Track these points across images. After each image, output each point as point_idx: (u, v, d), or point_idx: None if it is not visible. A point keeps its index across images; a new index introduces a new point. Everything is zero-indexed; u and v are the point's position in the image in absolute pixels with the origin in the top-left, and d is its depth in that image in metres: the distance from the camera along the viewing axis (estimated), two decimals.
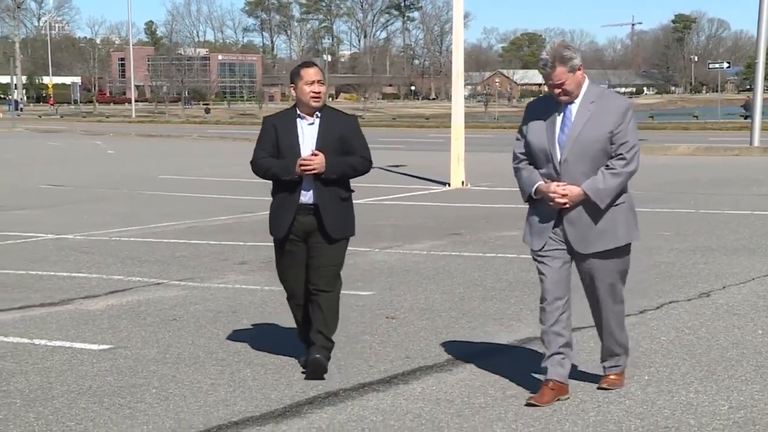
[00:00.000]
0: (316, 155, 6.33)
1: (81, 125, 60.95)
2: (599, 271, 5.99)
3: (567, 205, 5.75)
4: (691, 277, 9.96)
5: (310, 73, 6.48)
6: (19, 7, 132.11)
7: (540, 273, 5.99)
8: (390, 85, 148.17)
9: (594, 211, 5.78)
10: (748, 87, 64.64)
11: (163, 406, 5.98)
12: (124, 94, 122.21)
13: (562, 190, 5.73)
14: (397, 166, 25.60)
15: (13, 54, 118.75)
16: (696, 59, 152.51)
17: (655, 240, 12.35)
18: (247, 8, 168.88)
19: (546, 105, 5.91)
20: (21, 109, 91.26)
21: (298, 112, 6.55)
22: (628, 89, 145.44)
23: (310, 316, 6.62)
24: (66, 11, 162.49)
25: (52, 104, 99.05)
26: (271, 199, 6.69)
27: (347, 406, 5.96)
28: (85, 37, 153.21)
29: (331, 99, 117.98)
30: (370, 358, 6.99)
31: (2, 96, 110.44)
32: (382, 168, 24.32)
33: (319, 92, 6.48)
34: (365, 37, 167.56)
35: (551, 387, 5.87)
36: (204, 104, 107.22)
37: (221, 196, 18.44)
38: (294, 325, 6.95)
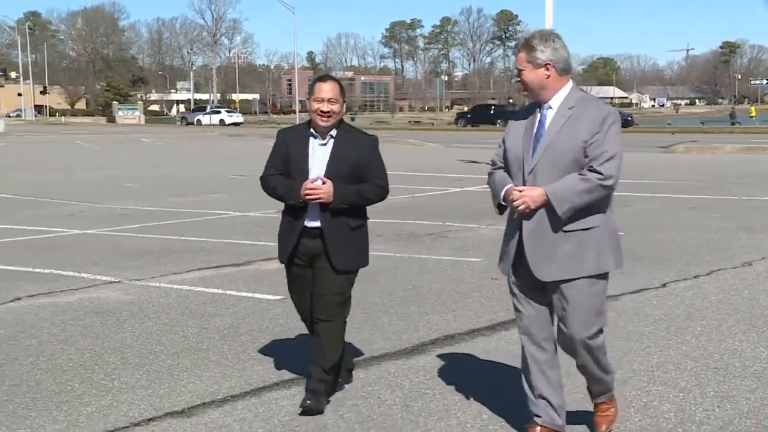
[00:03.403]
0: (324, 182, 4.59)
1: (259, 130, 62.00)
2: (569, 302, 4.00)
3: (527, 209, 3.92)
4: (736, 250, 9.59)
5: (322, 89, 4.63)
6: (215, 43, 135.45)
7: (515, 309, 4.20)
8: (493, 99, 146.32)
9: (557, 227, 3.91)
10: None
11: None
12: (290, 106, 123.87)
13: (519, 192, 3.93)
14: None
15: (211, 78, 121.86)
16: (739, 77, 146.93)
17: (706, 221, 11.97)
18: (383, 40, 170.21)
19: (529, 110, 4.14)
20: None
21: (312, 129, 4.72)
22: (684, 101, 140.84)
23: (312, 342, 4.93)
24: (249, 45, 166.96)
25: (273, 111, 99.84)
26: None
27: (461, 347, 5.93)
28: (263, 64, 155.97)
29: (446, 110, 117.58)
30: (479, 310, 6.94)
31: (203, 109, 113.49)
32: (487, 163, 24.02)
33: (328, 111, 4.60)
34: (474, 61, 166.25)
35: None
36: (350, 114, 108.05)
37: None
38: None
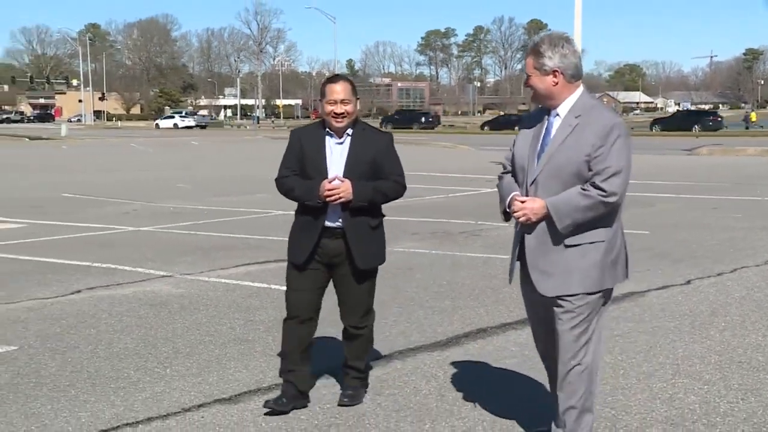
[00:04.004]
0: (342, 182, 4.33)
1: None
2: (564, 317, 3.64)
3: (527, 221, 3.60)
4: (758, 248, 9.41)
5: (334, 91, 4.35)
6: (261, 52, 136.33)
7: (527, 314, 3.98)
8: (523, 104, 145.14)
9: (558, 241, 3.57)
10: None
11: None
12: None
13: (521, 202, 3.61)
14: None
15: (256, 84, 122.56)
16: (762, 83, 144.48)
17: (729, 220, 11.78)
18: (419, 48, 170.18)
19: (538, 115, 3.77)
20: (273, 121, 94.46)
21: (327, 128, 4.45)
22: (707, 105, 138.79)
23: (344, 347, 4.75)
24: (292, 53, 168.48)
25: (316, 117, 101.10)
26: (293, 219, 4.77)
27: (493, 339, 5.90)
28: (305, 71, 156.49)
29: (479, 114, 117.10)
30: (510, 305, 6.89)
31: (248, 114, 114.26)
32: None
33: (342, 113, 4.34)
34: (505, 68, 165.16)
35: None
36: (383, 119, 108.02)
37: None
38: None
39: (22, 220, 12.77)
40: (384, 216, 4.60)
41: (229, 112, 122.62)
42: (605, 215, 3.55)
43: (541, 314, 3.80)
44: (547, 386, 4.28)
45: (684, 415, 4.40)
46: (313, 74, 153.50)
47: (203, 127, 79.72)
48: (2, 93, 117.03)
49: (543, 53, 3.59)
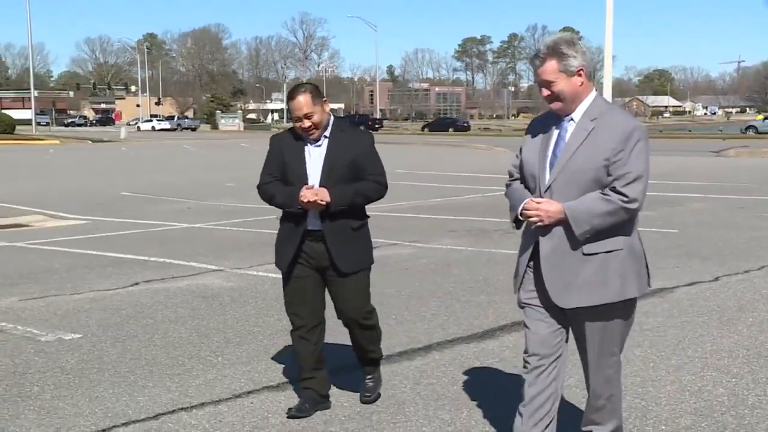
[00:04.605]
0: (316, 192, 4.06)
1: None
2: (587, 329, 3.35)
3: (542, 223, 3.26)
4: None
5: (296, 107, 4.10)
6: (306, 59, 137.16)
7: (525, 324, 3.50)
8: None
9: (576, 249, 3.23)
10: None
11: (400, 327, 6.05)
12: (372, 114, 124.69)
13: (536, 203, 3.27)
14: None
15: None
16: None
17: (756, 220, 11.56)
18: (456, 55, 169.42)
19: (547, 120, 3.39)
20: None
21: None
22: (735, 109, 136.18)
23: (352, 342, 4.53)
24: (336, 59, 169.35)
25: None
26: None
27: None
28: (348, 77, 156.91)
29: (513, 118, 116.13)
30: None
31: None
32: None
33: (310, 126, 4.10)
34: None
35: None
36: (425, 122, 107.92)
37: (434, 185, 18.51)
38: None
39: (86, 216, 13.01)
40: (368, 217, 4.34)
41: (276, 116, 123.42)
42: (624, 222, 3.23)
43: (548, 324, 3.40)
44: (581, 372, 4.22)
45: (713, 406, 4.33)
46: (355, 80, 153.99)
47: (194, 129, 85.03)
48: (68, 99, 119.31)
49: (566, 53, 3.19)
